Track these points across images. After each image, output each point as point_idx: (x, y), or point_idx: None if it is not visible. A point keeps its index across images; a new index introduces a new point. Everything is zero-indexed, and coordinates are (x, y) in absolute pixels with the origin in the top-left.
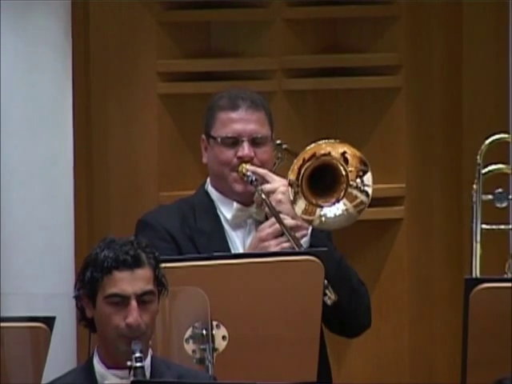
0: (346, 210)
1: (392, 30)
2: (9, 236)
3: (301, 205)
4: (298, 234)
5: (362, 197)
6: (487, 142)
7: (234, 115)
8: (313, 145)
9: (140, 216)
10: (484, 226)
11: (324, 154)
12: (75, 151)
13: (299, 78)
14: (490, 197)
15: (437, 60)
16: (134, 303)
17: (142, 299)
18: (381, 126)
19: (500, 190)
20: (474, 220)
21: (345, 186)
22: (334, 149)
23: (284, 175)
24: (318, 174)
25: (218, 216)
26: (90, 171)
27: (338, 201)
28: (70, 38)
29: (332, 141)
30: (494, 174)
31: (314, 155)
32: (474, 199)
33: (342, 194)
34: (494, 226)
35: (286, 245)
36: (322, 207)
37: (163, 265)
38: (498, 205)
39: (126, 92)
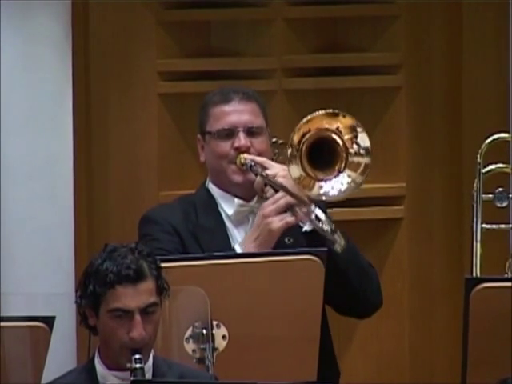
0: (353, 180)
1: (392, 30)
2: (9, 236)
3: (294, 171)
4: (303, 209)
5: (365, 159)
6: (487, 141)
7: (227, 108)
8: (316, 113)
9: (141, 213)
10: (484, 226)
11: (324, 129)
12: (75, 151)
13: (299, 78)
14: (491, 196)
15: (437, 59)
16: (137, 317)
17: (146, 311)
18: (381, 126)
19: (500, 189)
20: (475, 219)
21: (344, 155)
22: (331, 125)
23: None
24: (316, 150)
25: (219, 213)
26: (90, 171)
27: (339, 172)
28: (70, 37)
29: (330, 111)
30: (494, 173)
31: (318, 128)
32: (475, 199)
33: (343, 164)
34: (494, 226)
35: (289, 219)
36: (320, 181)
37: (164, 264)
38: (499, 204)
39: (126, 91)
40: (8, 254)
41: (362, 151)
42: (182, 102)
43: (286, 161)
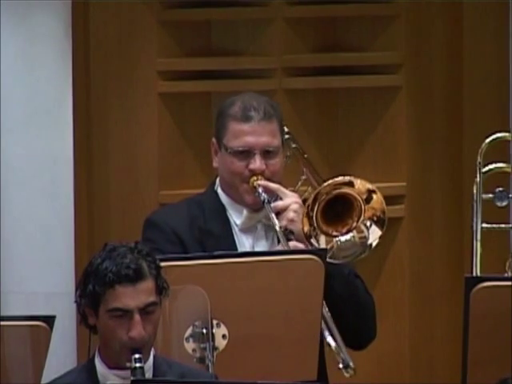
0: (353, 237)
1: (392, 29)
2: (9, 235)
3: (322, 241)
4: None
5: (366, 234)
6: (487, 140)
7: (246, 127)
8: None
9: (141, 213)
10: (484, 225)
11: (343, 183)
12: (75, 150)
13: (299, 77)
14: (491, 195)
15: (437, 58)
16: (137, 317)
17: (145, 311)
18: (381, 125)
19: (500, 188)
20: (475, 219)
21: (356, 219)
22: (362, 183)
23: (291, 176)
24: (331, 202)
25: (227, 219)
26: (90, 170)
27: (348, 231)
28: (71, 36)
29: (370, 186)
30: (494, 172)
31: (328, 186)
32: (475, 198)
33: (354, 225)
34: (494, 225)
35: None
36: (335, 237)
37: (164, 263)
38: (499, 203)
39: (126, 91)
40: (8, 254)
41: (368, 229)
42: (182, 101)
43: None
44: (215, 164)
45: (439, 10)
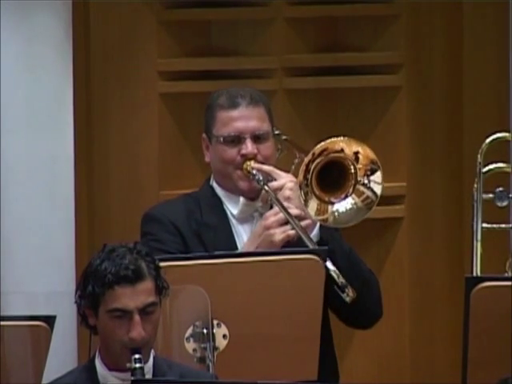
0: (355, 203)
1: (393, 29)
2: (9, 234)
3: (313, 205)
4: (303, 223)
5: (369, 193)
6: (488, 140)
7: (234, 113)
8: (327, 141)
9: (142, 213)
10: (484, 225)
11: (336, 151)
12: (75, 150)
13: (300, 77)
14: (491, 196)
15: (437, 58)
16: (136, 317)
17: (145, 311)
18: (381, 125)
19: (500, 188)
20: (475, 219)
21: (353, 182)
22: (349, 146)
23: (284, 166)
24: (326, 169)
25: (224, 211)
26: (91, 170)
27: (346, 196)
28: (71, 37)
29: (346, 138)
30: (494, 172)
31: (325, 150)
32: (475, 198)
33: (351, 190)
34: (494, 225)
35: (291, 232)
36: (333, 203)
37: (164, 263)
38: (499, 204)
39: (127, 91)
40: (8, 254)
41: (368, 185)
42: (182, 101)
43: (286, 157)
44: (207, 159)
45: (439, 9)
